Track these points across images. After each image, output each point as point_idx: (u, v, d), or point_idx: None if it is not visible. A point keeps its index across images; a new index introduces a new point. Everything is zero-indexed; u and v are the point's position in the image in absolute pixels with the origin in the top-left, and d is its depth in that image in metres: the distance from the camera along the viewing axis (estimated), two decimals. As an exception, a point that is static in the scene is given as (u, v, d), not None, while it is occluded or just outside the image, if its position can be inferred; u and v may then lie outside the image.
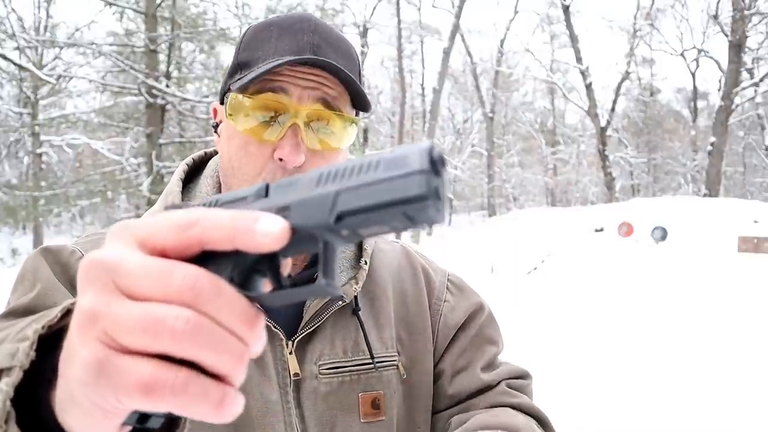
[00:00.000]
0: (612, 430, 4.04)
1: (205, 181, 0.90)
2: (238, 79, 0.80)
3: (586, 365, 5.29)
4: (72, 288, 0.75)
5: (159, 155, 12.69)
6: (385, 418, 0.86)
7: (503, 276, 10.04)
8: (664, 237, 12.03)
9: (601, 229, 14.63)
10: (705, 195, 19.42)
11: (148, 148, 12.78)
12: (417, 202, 0.32)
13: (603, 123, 23.06)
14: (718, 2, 21.99)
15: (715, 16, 22.04)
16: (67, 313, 0.41)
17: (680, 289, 7.72)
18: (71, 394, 0.36)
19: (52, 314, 0.42)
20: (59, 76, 15.25)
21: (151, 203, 12.21)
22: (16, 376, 0.39)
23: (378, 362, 0.87)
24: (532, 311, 7.34)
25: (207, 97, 14.20)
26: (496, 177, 32.63)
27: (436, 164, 0.33)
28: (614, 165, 28.16)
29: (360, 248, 0.93)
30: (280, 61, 0.74)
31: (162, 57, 13.77)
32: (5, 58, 10.93)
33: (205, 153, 0.97)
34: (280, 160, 0.77)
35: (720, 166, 19.83)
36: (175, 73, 14.50)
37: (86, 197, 13.46)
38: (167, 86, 13.30)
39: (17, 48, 12.12)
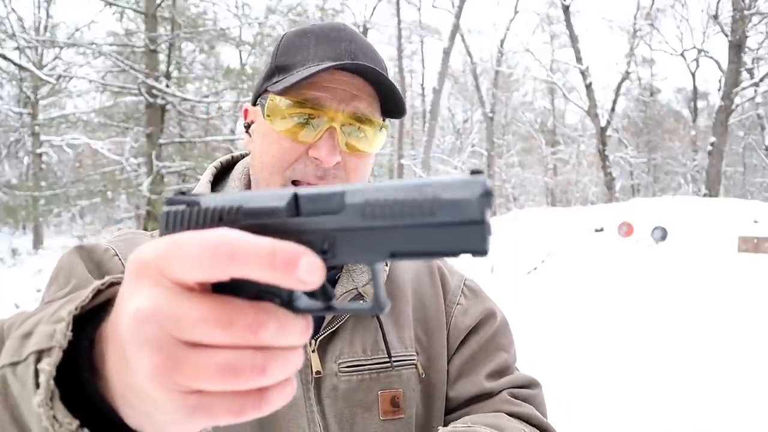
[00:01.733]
0: (612, 429, 4.04)
1: (233, 183, 0.93)
2: (277, 82, 0.84)
3: (587, 365, 5.29)
4: None
5: (159, 155, 12.68)
6: (404, 416, 0.88)
7: (503, 276, 10.04)
8: (664, 237, 12.03)
9: (601, 229, 14.62)
10: (705, 195, 19.42)
11: (148, 148, 12.77)
12: (473, 253, 0.33)
13: (603, 123, 23.06)
14: (718, 2, 21.99)
15: (715, 16, 22.04)
16: (97, 293, 0.43)
17: (680, 289, 7.72)
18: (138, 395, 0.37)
19: (84, 295, 0.43)
20: (59, 76, 15.24)
21: (151, 203, 12.20)
22: (56, 356, 0.40)
23: (396, 361, 0.89)
24: (532, 311, 7.33)
25: (207, 97, 14.19)
26: (496, 177, 32.63)
27: (489, 205, 0.33)
28: (614, 165, 28.15)
29: None
30: (324, 66, 0.78)
31: (162, 57, 13.76)
32: (5, 58, 10.93)
33: (232, 157, 1.00)
34: (315, 158, 0.81)
35: (720, 166, 19.83)
36: (175, 73, 14.48)
37: (86, 197, 13.45)
38: (167, 86, 13.29)
39: (17, 48, 12.12)
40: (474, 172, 0.34)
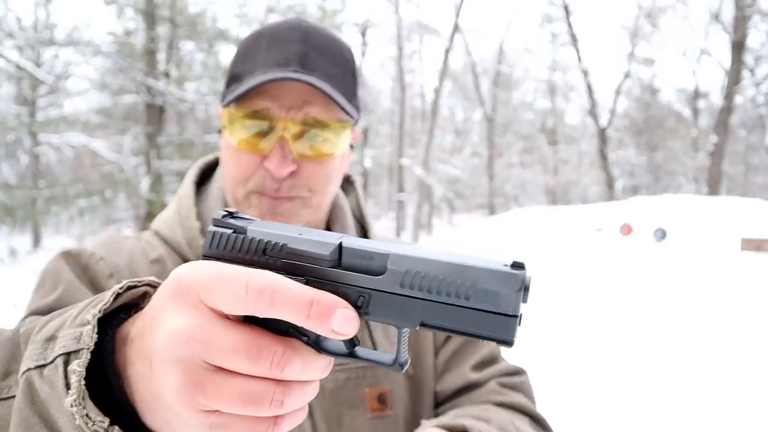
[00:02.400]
0: (612, 428, 3.99)
1: (216, 184, 0.94)
2: (231, 91, 0.84)
3: (586, 365, 5.24)
4: (93, 288, 0.79)
5: (158, 155, 12.65)
6: (392, 414, 0.87)
7: (503, 276, 9.98)
8: (664, 237, 11.98)
9: (602, 229, 14.57)
10: (707, 194, 19.38)
11: (146, 147, 12.74)
12: (500, 342, 0.35)
13: (603, 123, 23.01)
14: (720, 2, 21.95)
15: (717, 16, 22.00)
16: (116, 297, 0.46)
17: (681, 289, 7.67)
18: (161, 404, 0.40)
19: (105, 298, 0.45)
20: (58, 76, 15.21)
21: (150, 203, 12.16)
22: (85, 357, 0.42)
23: None
24: (532, 311, 7.29)
25: (206, 96, 14.14)
26: (496, 177, 32.60)
27: (525, 300, 0.34)
28: (614, 165, 28.12)
29: None
30: (260, 80, 0.77)
31: (161, 56, 13.72)
32: (4, 57, 10.89)
33: (215, 157, 1.01)
34: (269, 169, 0.81)
35: (721, 165, 19.78)
36: (174, 73, 14.45)
37: (85, 197, 13.42)
38: (167, 86, 13.25)
39: (16, 47, 12.08)
40: (516, 265, 0.35)
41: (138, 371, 0.41)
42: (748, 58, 21.22)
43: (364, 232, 1.01)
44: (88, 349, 0.42)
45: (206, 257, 0.40)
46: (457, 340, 0.98)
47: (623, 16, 47.65)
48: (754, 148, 33.34)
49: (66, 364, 0.42)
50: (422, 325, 0.36)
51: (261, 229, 0.39)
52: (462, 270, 0.34)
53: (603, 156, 22.99)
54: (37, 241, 18.83)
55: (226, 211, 0.40)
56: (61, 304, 0.72)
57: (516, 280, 0.34)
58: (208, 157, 1.01)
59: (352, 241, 0.37)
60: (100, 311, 0.43)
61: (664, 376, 4.93)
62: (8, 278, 12.57)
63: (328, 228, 0.94)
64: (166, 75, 13.62)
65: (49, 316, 0.50)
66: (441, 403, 0.95)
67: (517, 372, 1.00)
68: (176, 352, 0.36)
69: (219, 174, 0.94)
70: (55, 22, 18.44)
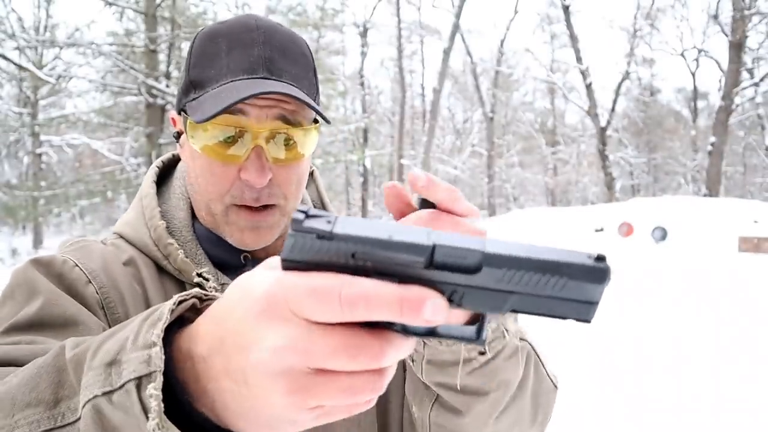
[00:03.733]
0: (611, 428, 4.03)
1: (177, 183, 0.91)
2: (193, 99, 0.80)
3: (586, 365, 5.28)
4: (70, 296, 0.75)
5: (159, 155, 12.67)
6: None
7: (503, 276, 10.01)
8: (664, 237, 12.02)
9: (601, 229, 14.62)
10: (705, 195, 19.41)
11: (147, 148, 12.77)
12: (580, 321, 0.39)
13: (603, 123, 23.06)
14: (718, 2, 21.99)
15: (716, 16, 22.04)
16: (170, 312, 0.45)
17: (680, 289, 7.71)
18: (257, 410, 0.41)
19: (163, 317, 0.44)
20: (59, 76, 15.24)
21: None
22: (159, 380, 0.42)
23: None
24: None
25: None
26: (496, 177, 32.64)
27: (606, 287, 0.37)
28: (614, 165, 28.15)
29: None
30: (237, 97, 0.73)
31: (162, 57, 13.76)
32: (5, 58, 10.93)
33: (173, 155, 0.98)
34: (246, 180, 0.78)
35: (720, 166, 19.83)
36: (175, 73, 14.48)
37: (86, 197, 13.45)
38: (167, 86, 13.29)
39: (17, 48, 12.11)
40: (599, 258, 0.37)
41: (224, 388, 0.41)
42: (747, 59, 21.26)
43: None
44: (160, 371, 0.42)
45: (286, 261, 0.38)
46: None
47: (623, 17, 47.67)
48: (752, 148, 33.38)
49: (138, 388, 0.43)
50: (512, 311, 0.38)
51: (347, 232, 0.37)
52: (555, 266, 0.37)
53: (602, 156, 23.02)
54: (38, 241, 18.85)
55: (302, 211, 0.38)
56: (44, 316, 0.70)
57: (602, 274, 0.37)
58: (166, 156, 0.98)
59: (443, 238, 0.37)
60: (161, 331, 0.43)
61: (662, 375, 4.97)
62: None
63: None
64: (167, 75, 13.65)
65: (94, 340, 0.50)
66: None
67: None
68: (280, 366, 0.37)
69: (179, 173, 0.93)
70: (57, 22, 18.49)
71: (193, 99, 0.80)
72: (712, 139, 19.65)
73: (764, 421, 4.04)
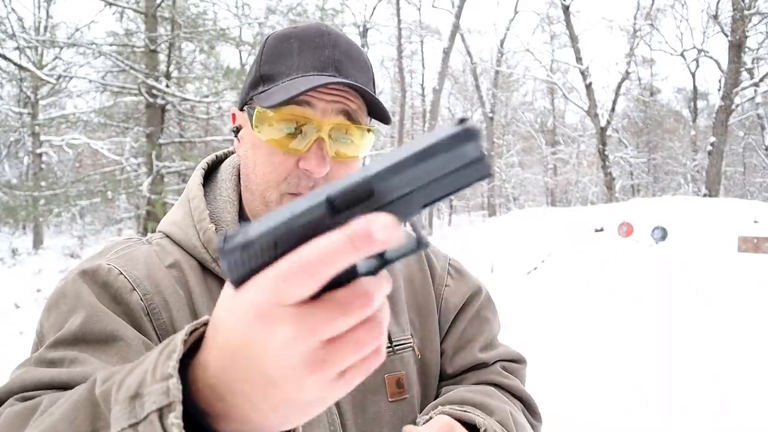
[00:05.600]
0: (610, 428, 4.04)
1: (224, 185, 0.94)
2: (263, 92, 0.83)
3: (586, 365, 5.29)
4: (115, 304, 0.78)
5: (159, 155, 12.66)
6: (408, 396, 0.94)
7: (503, 276, 10.05)
8: (664, 237, 12.02)
9: (601, 229, 14.62)
10: (705, 195, 19.41)
11: (148, 148, 12.75)
12: (481, 179, 0.40)
13: (603, 123, 23.04)
14: (718, 2, 21.98)
15: (715, 16, 22.03)
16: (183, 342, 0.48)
17: (680, 289, 7.72)
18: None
19: (177, 348, 0.47)
20: (59, 76, 15.22)
21: (151, 203, 12.19)
22: (179, 409, 0.45)
23: (396, 346, 0.94)
24: (532, 311, 7.34)
25: (207, 97, 14.16)
26: (496, 177, 32.63)
27: (483, 139, 0.40)
28: (614, 165, 28.14)
29: None
30: (309, 86, 0.77)
31: (162, 57, 13.74)
32: (5, 58, 10.91)
33: (216, 156, 1.01)
34: (306, 170, 0.81)
35: (720, 166, 19.81)
36: (175, 73, 14.47)
37: (86, 197, 13.42)
38: (167, 86, 13.27)
39: (17, 48, 12.11)
40: (461, 121, 0.39)
41: (247, 394, 0.44)
42: (747, 59, 21.25)
43: None
44: (178, 400, 0.45)
45: (234, 282, 0.42)
46: (461, 321, 1.04)
47: (622, 17, 47.71)
48: (752, 148, 33.38)
49: (161, 418, 0.45)
50: (423, 206, 0.41)
51: (259, 231, 0.41)
52: (429, 150, 0.39)
53: (602, 156, 23.02)
54: (38, 241, 18.84)
55: (222, 237, 0.42)
56: (86, 332, 0.74)
57: (468, 133, 0.39)
58: (210, 158, 1.01)
59: (331, 187, 0.40)
60: (176, 362, 0.46)
61: (663, 376, 4.97)
62: (9, 278, 12.61)
63: None
64: (167, 75, 13.64)
65: (119, 374, 0.53)
66: (449, 380, 1.01)
67: (519, 360, 1.08)
68: (297, 354, 0.40)
69: (226, 174, 0.95)
70: (57, 22, 18.49)
71: (263, 91, 0.84)
72: (712, 139, 19.65)
73: (764, 421, 4.04)
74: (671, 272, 8.62)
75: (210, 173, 0.99)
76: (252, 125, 0.84)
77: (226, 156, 1.01)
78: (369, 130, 0.87)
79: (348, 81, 0.79)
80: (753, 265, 8.64)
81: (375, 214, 0.38)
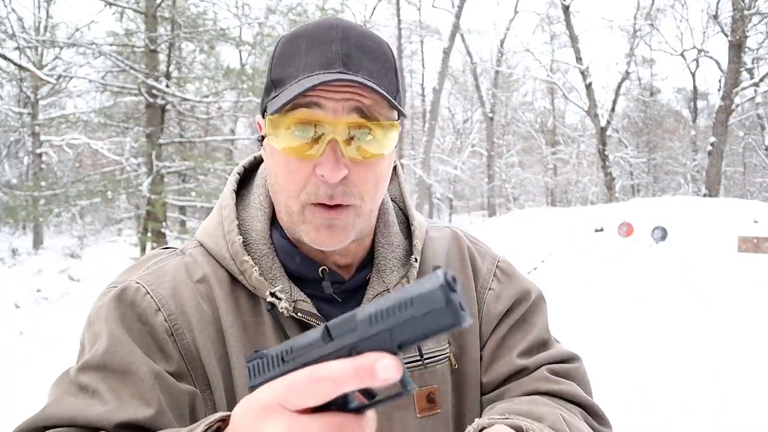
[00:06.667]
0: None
1: (257, 190, 0.92)
2: (273, 98, 0.81)
3: (586, 365, 5.29)
4: (141, 324, 0.80)
5: (159, 155, 12.65)
6: (441, 411, 0.88)
7: (503, 276, 9.97)
8: (664, 237, 12.02)
9: (601, 229, 14.62)
10: (705, 195, 19.40)
11: (148, 148, 12.74)
12: (452, 327, 0.44)
13: (603, 123, 23.04)
14: (718, 2, 21.98)
15: (715, 16, 22.03)
16: None
17: (680, 289, 7.72)
18: None
19: None
20: (59, 76, 15.22)
21: (151, 203, 12.18)
22: None
23: (428, 358, 0.88)
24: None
25: (207, 97, 14.15)
26: (496, 177, 32.63)
27: (454, 289, 0.44)
28: (614, 165, 28.13)
29: (410, 242, 0.94)
30: (308, 85, 0.74)
31: (162, 57, 13.72)
32: (5, 58, 10.91)
33: (255, 158, 0.97)
34: (322, 175, 0.77)
35: (720, 166, 19.81)
36: (175, 73, 14.46)
37: (86, 197, 13.40)
38: (167, 86, 13.27)
39: (17, 48, 12.11)
40: (434, 268, 0.45)
41: None
42: (747, 59, 21.25)
43: (407, 223, 0.98)
44: None
45: (252, 388, 0.53)
46: (503, 327, 0.96)
47: (622, 17, 47.71)
48: (752, 148, 33.38)
49: None
50: (400, 346, 0.46)
51: (273, 349, 0.53)
52: (403, 293, 0.45)
53: (602, 156, 23.02)
54: (38, 241, 18.84)
55: (253, 354, 0.55)
56: (107, 361, 0.77)
57: (436, 278, 0.44)
58: (247, 160, 0.97)
59: (334, 320, 0.50)
60: None
61: (662, 376, 4.97)
62: (9, 278, 12.61)
63: (374, 233, 0.93)
64: (167, 75, 13.63)
65: (86, 380, 0.65)
66: (489, 391, 0.93)
67: (570, 358, 0.98)
68: None
69: (260, 179, 0.93)
70: (57, 22, 18.48)
71: (273, 97, 0.81)
72: (712, 139, 19.65)
73: (765, 421, 4.04)
74: (671, 272, 8.62)
75: (248, 176, 0.97)
76: (266, 133, 0.82)
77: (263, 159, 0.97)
78: (392, 125, 0.80)
79: (349, 76, 0.74)
80: (753, 265, 8.64)
81: (380, 353, 0.45)
